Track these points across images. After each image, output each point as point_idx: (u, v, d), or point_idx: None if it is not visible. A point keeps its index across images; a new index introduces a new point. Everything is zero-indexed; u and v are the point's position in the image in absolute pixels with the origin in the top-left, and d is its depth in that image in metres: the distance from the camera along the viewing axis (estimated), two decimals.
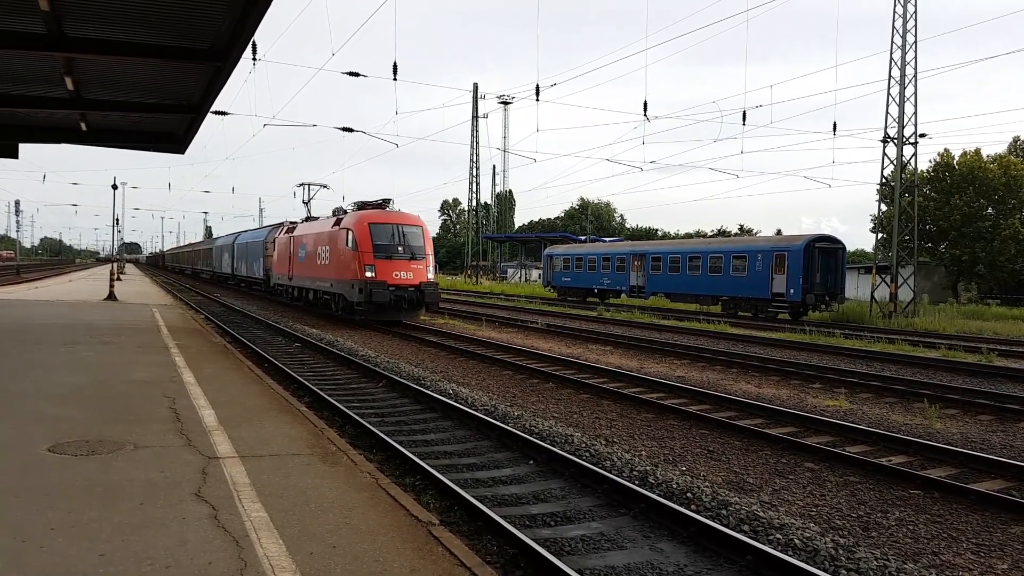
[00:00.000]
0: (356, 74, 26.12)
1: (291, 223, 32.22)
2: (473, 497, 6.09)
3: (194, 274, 69.64)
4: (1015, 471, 7.44)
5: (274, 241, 33.22)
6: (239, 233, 49.85)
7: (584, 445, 8.29)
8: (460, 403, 10.39)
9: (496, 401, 10.93)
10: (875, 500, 6.71)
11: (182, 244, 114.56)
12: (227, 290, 45.48)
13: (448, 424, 9.46)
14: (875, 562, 5.15)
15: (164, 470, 5.70)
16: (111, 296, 27.32)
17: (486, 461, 7.76)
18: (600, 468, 7.18)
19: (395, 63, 24.32)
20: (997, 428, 10.04)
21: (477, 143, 39.16)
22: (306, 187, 33.31)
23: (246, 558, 4.09)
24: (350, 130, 29.27)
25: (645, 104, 24.52)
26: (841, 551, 5.35)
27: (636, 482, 6.91)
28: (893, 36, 30.31)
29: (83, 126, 16.09)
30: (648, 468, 7.41)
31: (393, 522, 4.84)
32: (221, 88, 12.47)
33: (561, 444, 8.31)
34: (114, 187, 35.35)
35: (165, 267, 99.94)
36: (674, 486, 6.81)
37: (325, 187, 33.18)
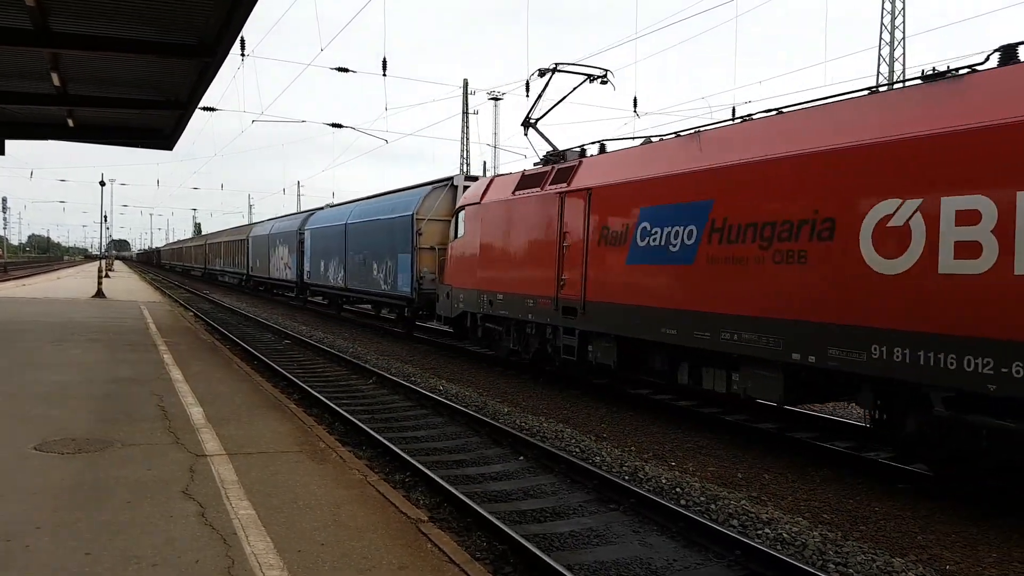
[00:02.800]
0: (345, 69, 25.94)
1: (476, 179, 17.20)
2: (463, 493, 6.08)
3: (208, 277, 52.89)
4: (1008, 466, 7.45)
5: (458, 214, 14.76)
6: (311, 212, 30.13)
7: (574, 441, 8.30)
8: (451, 400, 10.39)
9: (486, 398, 10.93)
10: (863, 494, 6.75)
11: (189, 236, 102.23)
12: (295, 313, 26.34)
13: (439, 420, 9.45)
14: (863, 555, 5.18)
15: (151, 468, 5.66)
16: (99, 294, 27.12)
17: (476, 457, 7.76)
18: (590, 464, 7.19)
19: (384, 59, 24.18)
20: None
21: (468, 139, 39.09)
22: (551, 73, 12.76)
23: (233, 556, 4.07)
24: (339, 126, 29.05)
25: (635, 100, 24.52)
26: (829, 545, 5.37)
27: (626, 477, 6.93)
28: (881, 32, 30.48)
29: (70, 122, 15.95)
30: (638, 463, 7.42)
31: (381, 519, 4.83)
32: (209, 84, 12.38)
33: (552, 440, 8.32)
34: (102, 184, 35.08)
35: (161, 265, 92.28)
36: (663, 481, 6.83)
37: (603, 78, 12.67)
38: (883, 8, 30.12)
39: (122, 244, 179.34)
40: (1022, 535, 5.73)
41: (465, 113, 38.00)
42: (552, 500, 6.42)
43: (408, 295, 17.67)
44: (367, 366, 13.29)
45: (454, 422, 9.32)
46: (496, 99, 43.38)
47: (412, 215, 17.79)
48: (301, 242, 27.70)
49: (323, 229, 25.27)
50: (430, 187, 18.26)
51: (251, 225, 42.77)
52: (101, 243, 49.61)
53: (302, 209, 49.23)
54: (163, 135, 17.75)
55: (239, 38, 12.42)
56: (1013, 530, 5.84)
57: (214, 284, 48.68)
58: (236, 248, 41.16)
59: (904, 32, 30.12)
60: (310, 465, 5.98)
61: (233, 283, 43.69)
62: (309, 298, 28.39)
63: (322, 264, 24.82)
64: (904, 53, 30.50)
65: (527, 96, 25.49)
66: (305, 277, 26.82)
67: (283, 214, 37.55)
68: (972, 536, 5.75)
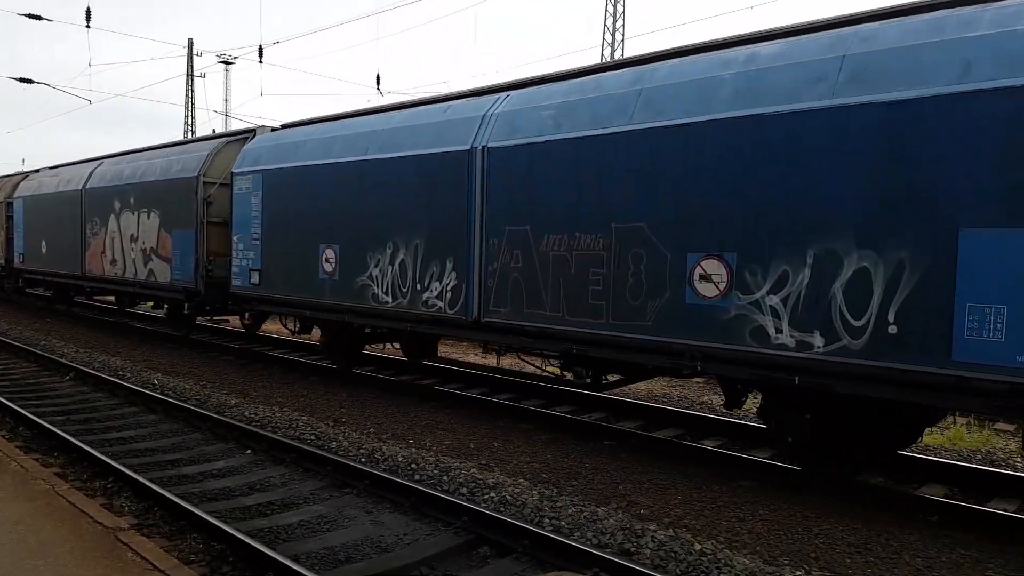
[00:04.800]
0: (39, 17, 22.14)
1: None
2: (176, 495, 5.55)
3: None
4: (690, 421, 8.75)
5: None
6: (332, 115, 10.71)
7: (310, 428, 8.04)
8: (167, 395, 9.44)
9: (210, 390, 10.11)
10: (577, 452, 7.45)
11: None
12: None
13: (152, 418, 8.54)
14: (573, 508, 5.71)
15: None
16: None
17: (195, 455, 7.15)
18: (324, 451, 7.00)
19: (88, 8, 21.18)
20: (676, 383, 11.72)
21: (193, 104, 35.49)
22: None
23: None
24: (30, 81, 24.73)
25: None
26: (546, 502, 5.84)
27: (362, 460, 6.87)
28: None
29: None
30: (376, 444, 7.41)
31: (72, 532, 4.23)
32: None
33: (284, 430, 7.96)
34: None
35: None
36: (400, 459, 6.89)
37: None
38: None
39: None
40: (701, 479, 6.72)
41: (190, 76, 34.55)
42: (281, 492, 6.14)
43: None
44: (63, 360, 11.54)
45: (170, 419, 8.49)
46: (227, 63, 40.12)
47: None
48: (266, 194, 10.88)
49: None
50: None
51: (21, 175, 20.86)
52: None
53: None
54: None
55: None
56: (694, 476, 6.85)
57: None
58: None
59: None
60: None
61: None
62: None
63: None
64: None
65: (260, 63, 23.96)
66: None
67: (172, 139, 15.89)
68: (661, 482, 6.62)
